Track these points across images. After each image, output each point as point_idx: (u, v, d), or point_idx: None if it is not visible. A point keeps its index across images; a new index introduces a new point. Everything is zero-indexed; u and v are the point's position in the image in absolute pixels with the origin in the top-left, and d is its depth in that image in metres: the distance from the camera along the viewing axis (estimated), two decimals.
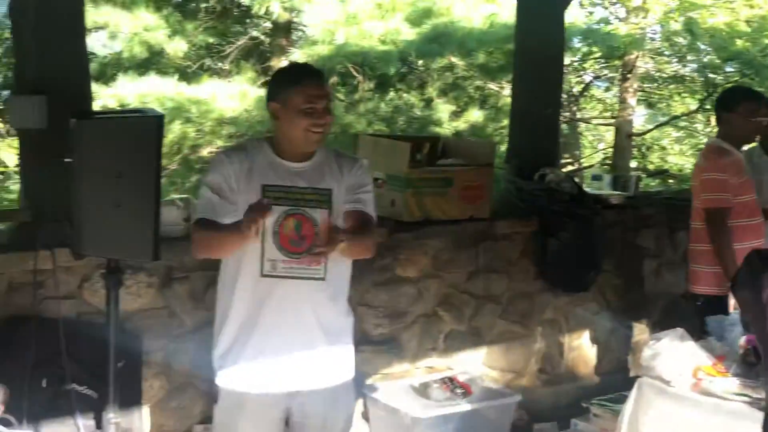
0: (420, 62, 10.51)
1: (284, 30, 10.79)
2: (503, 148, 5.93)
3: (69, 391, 3.35)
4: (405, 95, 10.69)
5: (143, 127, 2.89)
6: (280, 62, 10.11)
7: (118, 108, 7.86)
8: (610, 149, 12.91)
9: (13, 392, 2.96)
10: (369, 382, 4.31)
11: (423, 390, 4.25)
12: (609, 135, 13.60)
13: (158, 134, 2.86)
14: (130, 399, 3.52)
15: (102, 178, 2.89)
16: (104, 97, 9.02)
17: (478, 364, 4.74)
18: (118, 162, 2.86)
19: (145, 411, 3.72)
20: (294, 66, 3.90)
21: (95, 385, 3.37)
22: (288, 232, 2.75)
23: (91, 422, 3.39)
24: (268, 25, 11.27)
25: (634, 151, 13.06)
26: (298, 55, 8.91)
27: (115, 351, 3.07)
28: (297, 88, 2.80)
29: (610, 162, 12.38)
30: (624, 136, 11.95)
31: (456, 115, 10.61)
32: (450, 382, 4.29)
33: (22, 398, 3.19)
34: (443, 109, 10.36)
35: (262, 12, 10.12)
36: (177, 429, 3.88)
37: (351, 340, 3.04)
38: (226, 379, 2.92)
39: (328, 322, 2.92)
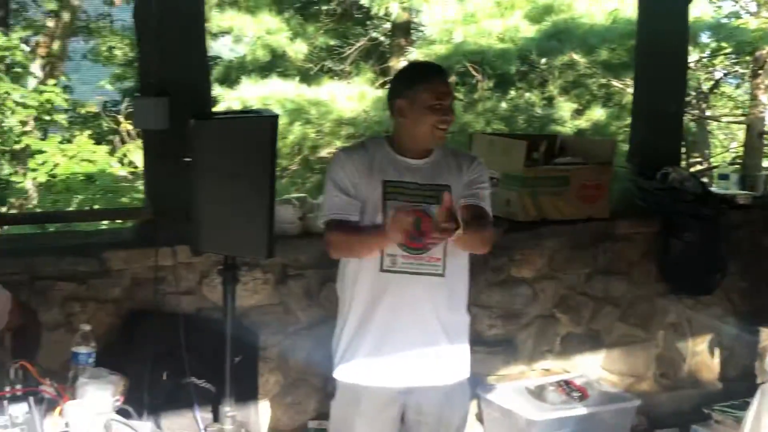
0: (543, 60, 10.36)
1: (403, 30, 10.84)
2: (627, 147, 5.77)
3: (188, 385, 3.44)
4: (526, 94, 10.56)
5: (259, 127, 2.95)
6: (399, 63, 10.16)
7: (239, 109, 8.04)
8: (741, 148, 12.41)
9: (135, 384, 3.05)
10: (483, 383, 4.27)
11: (538, 392, 4.19)
12: (742, 134, 13.06)
13: (273, 134, 2.92)
14: (247, 393, 3.59)
15: (219, 176, 2.97)
16: (229, 99, 9.27)
17: (596, 367, 4.64)
18: (234, 161, 2.94)
19: (261, 405, 3.80)
20: (419, 64, 3.91)
21: (213, 379, 3.45)
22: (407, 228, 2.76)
23: (209, 415, 3.48)
24: (388, 26, 11.34)
25: (766, 150, 12.51)
26: (416, 54, 8.93)
27: (232, 346, 3.15)
28: (425, 84, 2.82)
29: (741, 161, 11.90)
30: (755, 135, 11.45)
31: (578, 113, 10.41)
32: (566, 385, 4.21)
33: (142, 390, 3.30)
34: (565, 107, 10.18)
35: (381, 13, 10.19)
36: (291, 424, 3.95)
37: (467, 338, 3.03)
38: (343, 372, 2.95)
39: (446, 319, 2.92)
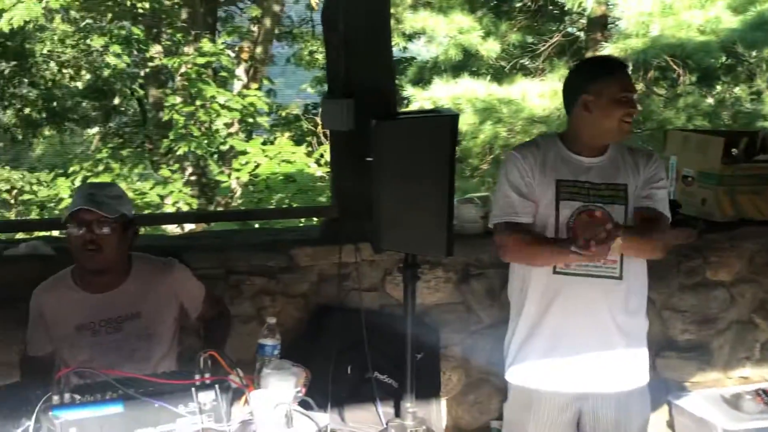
0: (753, 53, 9.77)
1: (599, 25, 10.55)
2: None
3: (371, 379, 3.52)
4: (733, 88, 10.03)
5: (438, 126, 2.97)
6: None
7: (419, 109, 8.10)
8: None
9: (319, 377, 3.16)
10: (675, 389, 4.10)
11: (734, 401, 3.98)
12: None
13: (452, 133, 2.93)
14: (428, 390, 3.63)
15: (400, 175, 3.01)
16: (420, 100, 9.35)
17: None
18: (414, 160, 2.97)
19: (443, 403, 3.82)
20: (600, 58, 3.82)
21: (395, 375, 3.51)
22: None
23: (391, 410, 3.54)
24: (583, 21, 11.09)
25: None
26: (610, 49, 8.65)
27: (414, 343, 3.19)
28: (611, 78, 2.77)
29: None
30: None
31: None
32: (765, 395, 3.97)
33: (327, 383, 3.41)
34: None
35: (575, 8, 9.97)
36: (473, 423, 3.95)
37: (645, 342, 2.92)
38: (516, 375, 2.92)
39: (623, 323, 2.82)
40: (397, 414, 3.43)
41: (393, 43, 4.46)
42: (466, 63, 10.33)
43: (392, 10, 8.37)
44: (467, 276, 3.86)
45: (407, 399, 3.22)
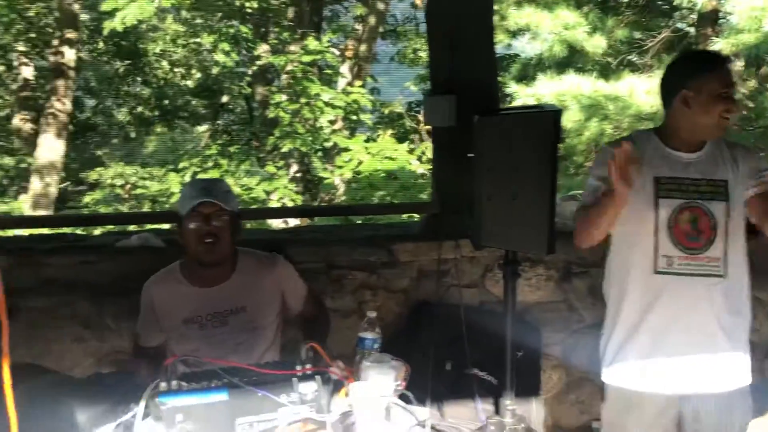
0: None
1: (709, 20, 10.25)
2: None
3: (470, 376, 3.51)
4: None
5: (541, 122, 2.93)
6: None
7: (521, 105, 8.03)
8: None
9: (419, 372, 3.17)
10: None
11: None
12: None
13: (555, 129, 2.88)
14: (528, 389, 3.60)
15: (501, 172, 2.99)
16: (524, 96, 9.27)
17: None
18: (516, 156, 2.94)
19: (542, 402, 3.79)
20: (701, 52, 3.71)
21: (495, 372, 3.49)
22: (684, 227, 2.65)
23: (490, 407, 3.53)
24: (693, 16, 10.79)
25: None
26: (721, 44, 8.37)
27: (514, 340, 3.17)
28: (712, 74, 2.70)
29: None
30: None
31: None
32: None
33: (426, 378, 3.41)
34: None
35: (685, 3, 9.71)
36: (574, 423, 3.91)
37: (747, 341, 2.83)
38: (615, 376, 2.87)
39: (726, 322, 2.74)
40: (497, 411, 3.41)
41: (497, 40, 4.44)
42: (571, 59, 10.19)
43: (496, 7, 8.31)
44: (569, 274, 3.82)
45: (507, 396, 3.20)
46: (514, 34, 11.16)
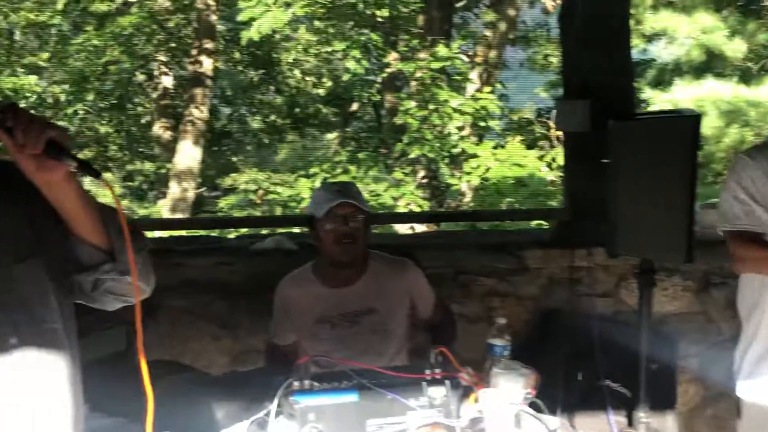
0: None
1: None
2: None
3: (602, 387, 3.43)
4: None
5: (680, 127, 2.85)
6: None
7: (658, 110, 7.80)
8: None
9: (549, 381, 3.12)
10: None
11: None
12: None
13: (694, 134, 2.80)
14: (663, 402, 3.49)
15: (637, 178, 2.91)
16: (659, 102, 9.04)
17: None
18: (653, 162, 2.86)
19: (677, 416, 3.66)
20: None
21: (628, 384, 3.40)
22: None
23: (623, 419, 3.43)
24: None
25: None
26: None
27: (649, 352, 3.08)
28: None
29: None
30: None
31: None
32: None
33: (557, 388, 3.35)
34: None
35: None
36: None
37: None
38: (753, 392, 2.74)
39: None
40: (630, 423, 3.32)
41: (632, 45, 4.34)
42: (710, 64, 9.87)
43: (632, 11, 8.13)
44: (708, 285, 3.68)
45: (641, 409, 3.11)
46: (650, 38, 10.89)
